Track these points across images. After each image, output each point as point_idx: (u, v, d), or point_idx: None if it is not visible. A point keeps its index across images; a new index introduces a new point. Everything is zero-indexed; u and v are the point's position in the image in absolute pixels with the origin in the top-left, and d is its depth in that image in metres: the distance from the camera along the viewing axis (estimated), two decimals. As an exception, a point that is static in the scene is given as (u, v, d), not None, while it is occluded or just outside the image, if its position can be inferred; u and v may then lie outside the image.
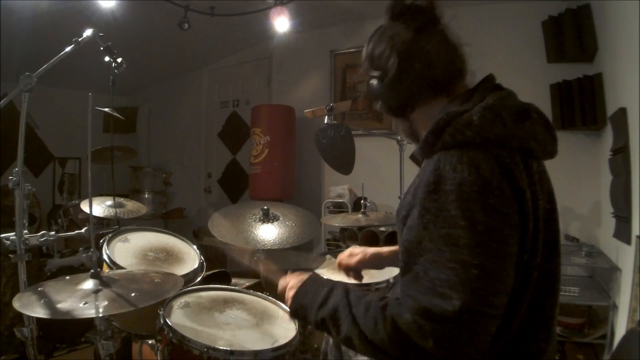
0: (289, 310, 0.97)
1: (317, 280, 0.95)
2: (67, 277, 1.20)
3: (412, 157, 0.97)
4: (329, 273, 1.82)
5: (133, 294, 1.08)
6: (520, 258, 0.72)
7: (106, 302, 1.03)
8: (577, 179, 2.90)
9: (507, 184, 0.70)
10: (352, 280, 1.32)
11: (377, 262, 1.27)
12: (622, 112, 2.06)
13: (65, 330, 2.53)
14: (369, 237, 2.95)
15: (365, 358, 1.06)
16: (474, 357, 0.67)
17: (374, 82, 0.89)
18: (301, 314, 0.90)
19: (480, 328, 0.67)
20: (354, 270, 1.30)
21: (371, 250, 1.29)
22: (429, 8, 0.86)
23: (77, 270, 2.41)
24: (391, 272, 1.76)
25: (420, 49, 0.83)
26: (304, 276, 0.97)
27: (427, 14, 0.86)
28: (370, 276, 1.82)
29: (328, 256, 2.06)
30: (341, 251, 2.13)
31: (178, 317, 1.27)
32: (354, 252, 1.30)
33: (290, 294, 0.96)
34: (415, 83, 0.85)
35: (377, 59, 0.89)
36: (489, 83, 0.85)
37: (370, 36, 0.92)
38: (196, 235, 4.03)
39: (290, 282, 0.99)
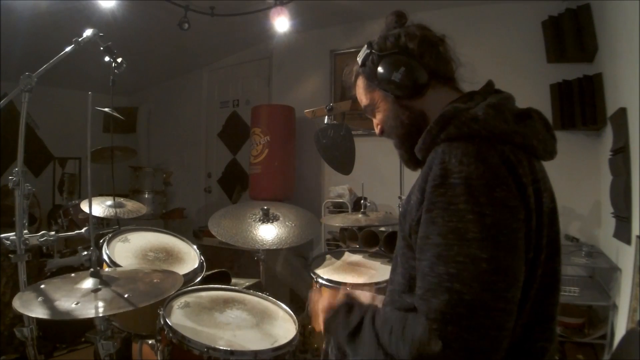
0: (322, 327, 0.94)
1: (347, 309, 0.88)
2: (73, 275, 1.20)
3: (407, 164, 0.95)
4: (329, 273, 1.82)
5: (133, 294, 1.08)
6: (526, 255, 0.71)
7: (105, 302, 1.03)
8: (577, 179, 2.89)
9: (511, 179, 0.70)
10: (354, 280, 1.32)
11: None
12: (622, 112, 2.06)
13: (65, 330, 2.53)
14: (369, 237, 2.94)
15: None
16: (492, 356, 0.64)
17: (389, 61, 0.86)
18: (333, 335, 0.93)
19: (495, 324, 0.64)
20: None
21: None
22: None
23: (77, 271, 2.41)
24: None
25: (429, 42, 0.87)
26: (335, 301, 0.92)
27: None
28: (370, 276, 1.82)
29: (328, 256, 2.06)
30: (341, 251, 2.14)
31: (178, 317, 1.27)
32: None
33: (321, 318, 0.94)
34: (432, 63, 0.86)
35: (390, 39, 0.88)
36: (489, 87, 0.87)
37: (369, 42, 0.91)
38: (196, 235, 4.03)
39: (321, 304, 0.95)
